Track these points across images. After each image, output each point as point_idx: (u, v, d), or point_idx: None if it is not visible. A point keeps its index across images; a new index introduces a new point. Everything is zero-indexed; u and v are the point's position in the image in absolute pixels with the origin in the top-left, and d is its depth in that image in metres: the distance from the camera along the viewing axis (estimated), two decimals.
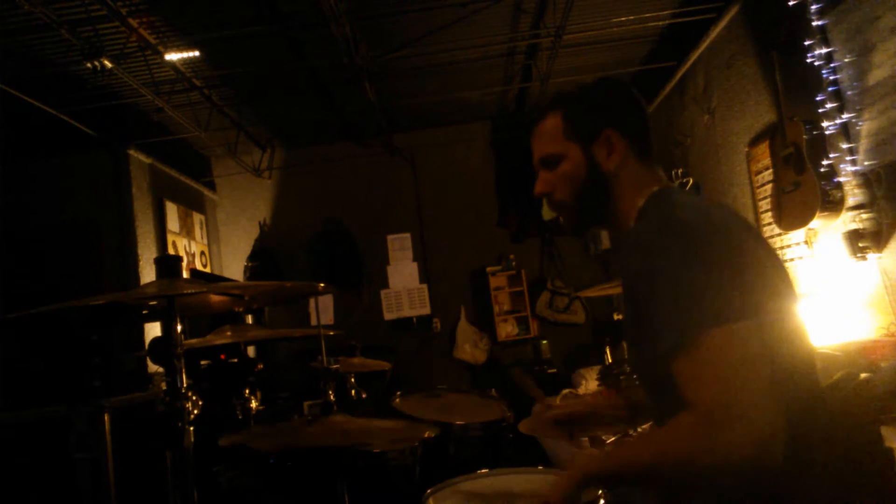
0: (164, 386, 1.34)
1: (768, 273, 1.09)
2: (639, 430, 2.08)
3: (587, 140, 1.28)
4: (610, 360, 3.03)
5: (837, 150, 3.28)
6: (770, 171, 3.81)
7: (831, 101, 3.28)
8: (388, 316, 6.20)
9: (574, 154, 1.29)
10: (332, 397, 1.91)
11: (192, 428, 1.33)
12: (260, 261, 6.33)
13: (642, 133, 1.29)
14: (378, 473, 2.35)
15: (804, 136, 3.36)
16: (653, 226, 1.16)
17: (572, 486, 1.06)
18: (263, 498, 2.34)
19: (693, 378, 0.97)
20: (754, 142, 4.17)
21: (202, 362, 3.43)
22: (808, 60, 3.37)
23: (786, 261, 3.89)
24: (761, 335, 0.98)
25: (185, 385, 1.33)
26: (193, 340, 2.37)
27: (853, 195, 3.24)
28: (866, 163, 3.13)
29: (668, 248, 1.04)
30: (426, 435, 1.63)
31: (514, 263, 6.24)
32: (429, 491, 1.50)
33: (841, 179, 3.28)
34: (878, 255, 3.12)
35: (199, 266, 5.97)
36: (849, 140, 3.22)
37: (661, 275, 1.03)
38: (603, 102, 1.30)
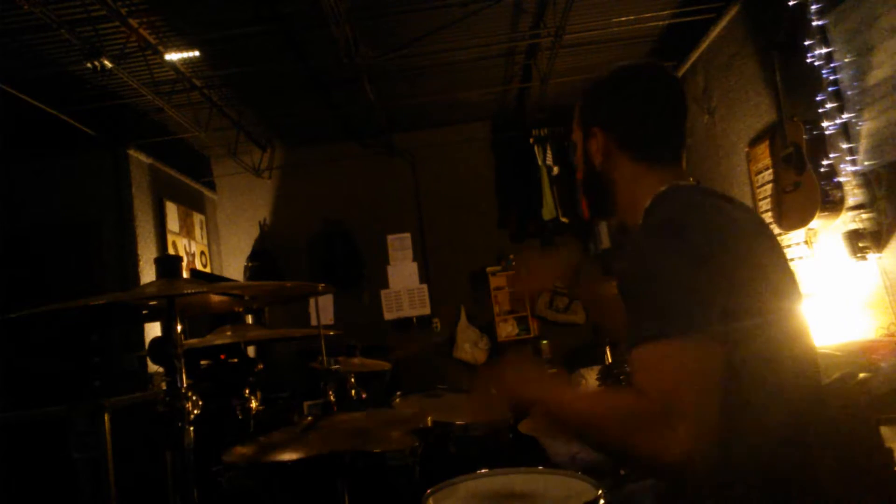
0: (164, 386, 1.34)
1: (769, 275, 1.08)
2: None
3: (585, 134, 1.30)
4: (610, 360, 3.03)
5: (837, 150, 3.28)
6: (770, 171, 3.81)
7: (831, 101, 3.29)
8: (388, 316, 6.20)
9: (580, 145, 1.33)
10: (332, 397, 1.91)
11: (192, 428, 1.33)
12: (260, 261, 6.33)
13: (641, 132, 1.24)
14: (378, 473, 2.35)
15: (804, 136, 3.36)
16: (649, 228, 1.16)
17: (532, 404, 1.14)
18: (263, 498, 2.34)
19: (646, 366, 0.97)
20: (754, 142, 4.18)
21: (202, 362, 3.43)
22: (808, 60, 3.37)
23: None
24: (737, 349, 0.98)
25: (185, 385, 1.33)
26: (193, 340, 2.37)
27: (853, 195, 3.24)
28: (866, 163, 3.13)
29: (655, 251, 1.05)
30: (428, 423, 1.64)
31: (514, 263, 6.23)
32: (429, 491, 1.50)
33: (841, 179, 3.28)
34: (878, 255, 3.13)
35: (199, 266, 5.97)
36: (849, 140, 3.22)
37: (646, 276, 1.03)
38: (598, 98, 1.30)
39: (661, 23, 4.65)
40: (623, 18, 4.43)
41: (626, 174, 1.25)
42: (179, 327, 1.38)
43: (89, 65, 3.60)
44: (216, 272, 6.38)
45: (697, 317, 0.96)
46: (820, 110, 3.33)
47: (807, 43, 3.37)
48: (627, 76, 1.29)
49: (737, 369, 0.98)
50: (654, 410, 0.91)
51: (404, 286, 6.27)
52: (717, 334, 0.96)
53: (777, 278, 1.10)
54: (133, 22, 3.69)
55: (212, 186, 6.59)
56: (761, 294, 1.03)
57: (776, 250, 1.15)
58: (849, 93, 3.19)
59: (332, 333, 2.49)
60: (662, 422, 0.90)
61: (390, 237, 6.38)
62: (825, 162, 3.32)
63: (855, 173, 3.21)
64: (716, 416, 0.91)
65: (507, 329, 6.24)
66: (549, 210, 5.97)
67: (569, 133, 1.38)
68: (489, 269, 6.26)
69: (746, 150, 4.28)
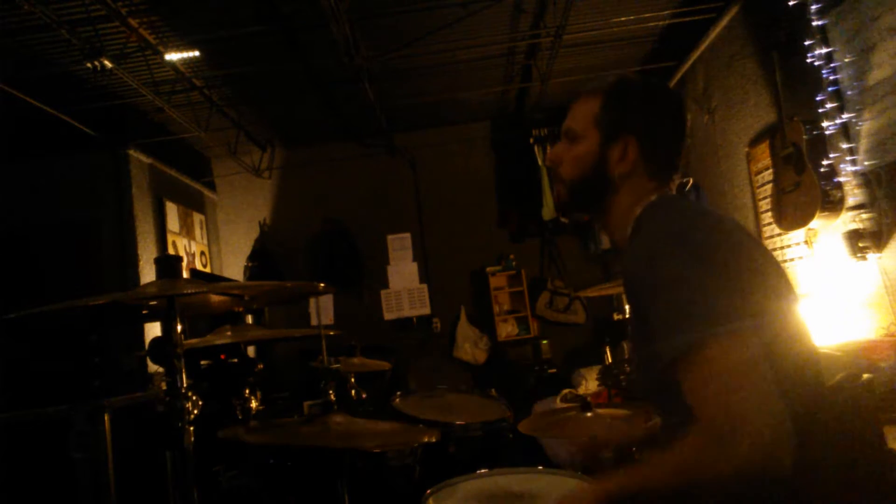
0: (164, 386, 1.34)
1: (768, 276, 1.09)
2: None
3: (608, 137, 1.24)
4: (610, 360, 3.03)
5: (837, 150, 3.28)
6: (770, 171, 3.81)
7: (831, 101, 3.28)
8: (388, 316, 6.20)
9: (592, 142, 1.26)
10: (332, 397, 1.91)
11: (192, 428, 1.33)
12: (260, 261, 6.33)
13: (664, 150, 1.25)
14: (378, 473, 2.35)
15: (804, 136, 3.36)
16: (653, 235, 1.16)
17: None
18: (263, 498, 2.34)
19: (696, 390, 0.97)
20: (754, 142, 4.18)
21: (202, 362, 3.43)
22: (808, 60, 3.37)
23: (785, 261, 3.89)
24: (762, 340, 0.98)
25: (185, 385, 1.33)
26: (193, 340, 2.37)
27: (853, 195, 3.24)
28: (866, 163, 3.13)
29: (667, 256, 1.05)
30: (426, 439, 1.63)
31: (514, 263, 6.24)
32: (429, 491, 1.49)
33: (841, 179, 3.28)
34: (878, 255, 3.13)
35: (199, 266, 5.97)
36: (849, 140, 3.22)
37: (662, 283, 1.03)
38: (640, 108, 1.24)
39: (661, 23, 4.65)
40: (623, 18, 4.42)
41: (635, 188, 1.24)
42: (179, 327, 1.38)
43: (89, 65, 3.60)
44: (216, 272, 6.38)
45: (720, 316, 0.96)
46: (820, 110, 3.33)
47: (807, 43, 3.37)
48: (663, 94, 1.27)
49: None
50: (718, 441, 0.91)
51: (404, 286, 6.27)
52: (744, 327, 0.96)
53: (773, 280, 1.11)
54: (133, 22, 3.69)
55: (212, 186, 6.59)
56: (759, 296, 1.04)
57: (767, 254, 1.17)
58: (849, 93, 3.19)
59: (332, 333, 2.49)
60: (730, 447, 0.90)
61: (390, 237, 6.37)
62: (825, 162, 3.32)
63: (855, 173, 3.21)
64: (777, 403, 0.91)
65: (507, 329, 6.24)
66: (549, 210, 5.97)
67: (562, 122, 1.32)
68: (489, 269, 6.26)
69: (746, 150, 4.28)
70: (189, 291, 1.46)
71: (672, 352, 0.99)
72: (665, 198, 1.23)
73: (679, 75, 5.20)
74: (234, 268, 6.55)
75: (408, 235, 6.39)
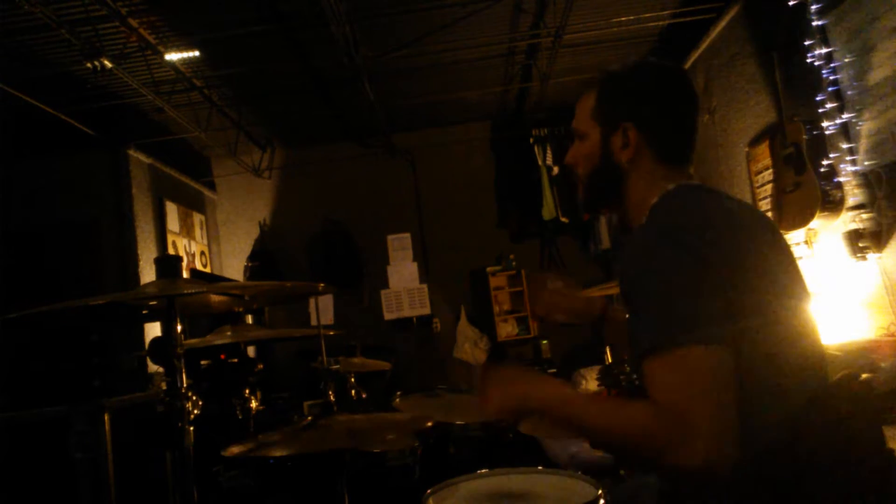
0: (164, 386, 1.34)
1: (776, 275, 1.08)
2: None
3: (608, 127, 1.25)
4: (610, 360, 3.03)
5: (837, 150, 3.28)
6: (770, 171, 3.81)
7: (831, 101, 3.29)
8: (388, 316, 6.20)
9: (594, 137, 1.27)
10: (332, 397, 1.91)
11: (192, 428, 1.33)
12: (260, 261, 6.33)
13: (670, 133, 1.24)
14: (378, 473, 2.35)
15: (804, 136, 3.36)
16: (653, 228, 1.15)
17: (514, 403, 1.11)
18: (263, 498, 2.34)
19: (655, 388, 0.97)
20: (754, 142, 4.18)
21: (202, 362, 3.43)
22: (808, 60, 3.37)
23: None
24: (753, 341, 0.98)
25: (185, 385, 1.33)
26: (193, 340, 2.37)
27: (853, 195, 3.24)
28: (866, 163, 3.13)
29: (658, 252, 1.04)
30: (427, 424, 1.64)
31: (514, 263, 6.24)
32: (429, 491, 1.50)
33: (841, 179, 3.28)
34: (878, 255, 3.13)
35: (199, 266, 5.97)
36: (849, 140, 3.22)
37: (647, 278, 1.03)
38: (632, 92, 1.24)
39: (661, 23, 4.65)
40: (623, 18, 4.43)
41: (646, 173, 1.23)
42: (179, 327, 1.38)
43: (89, 65, 3.60)
44: (216, 272, 6.38)
45: (704, 322, 0.96)
46: (820, 110, 3.33)
47: (807, 43, 3.37)
48: (658, 74, 1.25)
49: (739, 371, 0.97)
50: (670, 428, 0.92)
51: (404, 286, 6.26)
52: (724, 337, 0.96)
53: (782, 277, 1.10)
54: (133, 22, 3.69)
55: (212, 186, 6.59)
56: (765, 294, 1.03)
57: (782, 249, 1.15)
58: (849, 93, 3.19)
59: (332, 333, 2.49)
60: (679, 438, 0.90)
61: (390, 237, 6.37)
62: (825, 162, 3.32)
63: (855, 173, 3.22)
64: (734, 420, 0.92)
65: (507, 329, 6.24)
66: (549, 210, 5.97)
67: (570, 122, 1.33)
68: (489, 269, 6.26)
69: (746, 150, 4.28)
70: (189, 291, 1.46)
71: (642, 348, 0.99)
72: (683, 187, 1.20)
73: None
74: (234, 268, 6.55)
75: (408, 235, 6.39)
